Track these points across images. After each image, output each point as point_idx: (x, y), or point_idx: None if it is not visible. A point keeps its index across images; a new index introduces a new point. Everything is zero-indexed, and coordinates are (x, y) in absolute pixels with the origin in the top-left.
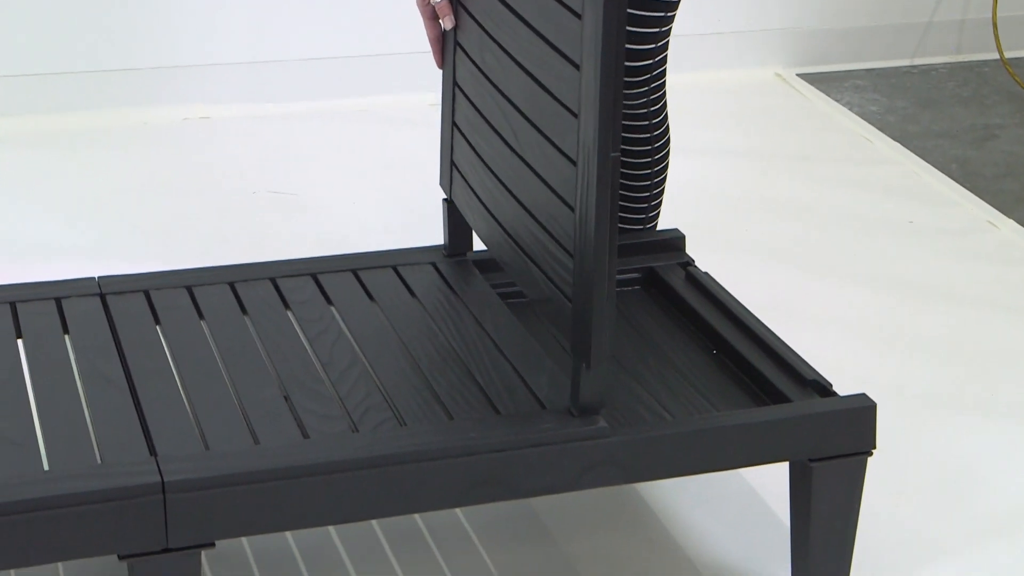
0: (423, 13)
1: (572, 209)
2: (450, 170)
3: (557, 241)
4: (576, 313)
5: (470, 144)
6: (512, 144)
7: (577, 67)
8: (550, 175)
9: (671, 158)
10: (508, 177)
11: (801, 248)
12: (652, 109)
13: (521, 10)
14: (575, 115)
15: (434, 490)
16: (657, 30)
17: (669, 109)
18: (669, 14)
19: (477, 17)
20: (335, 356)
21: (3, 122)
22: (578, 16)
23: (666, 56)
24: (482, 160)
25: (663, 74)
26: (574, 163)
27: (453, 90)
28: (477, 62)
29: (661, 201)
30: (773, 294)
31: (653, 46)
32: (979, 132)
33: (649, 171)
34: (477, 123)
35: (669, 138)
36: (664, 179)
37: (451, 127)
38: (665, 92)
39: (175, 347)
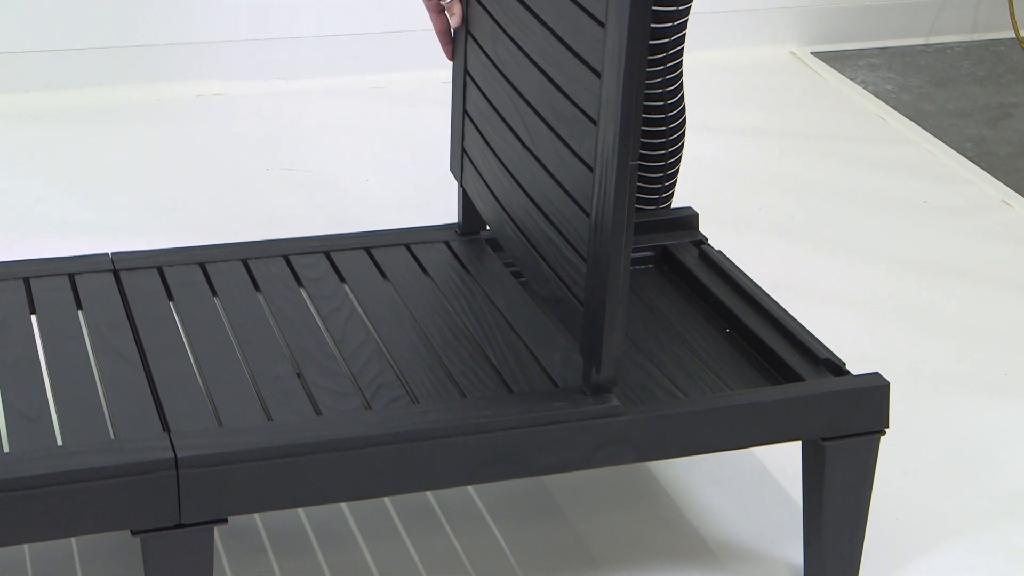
0: (428, 7)
1: (587, 214)
2: (461, 157)
3: (570, 244)
4: (588, 318)
5: (481, 134)
6: (525, 141)
7: (598, 75)
8: (565, 178)
9: (686, 136)
10: (520, 173)
11: (815, 227)
12: (668, 90)
13: (538, 9)
14: (594, 122)
15: (446, 467)
16: (676, 8)
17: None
18: None
19: (489, 8)
20: (348, 333)
21: (17, 98)
22: (601, 24)
23: (684, 35)
24: (493, 152)
25: (680, 52)
26: (591, 169)
27: (464, 78)
28: (489, 54)
29: (676, 180)
30: (786, 273)
31: (671, 24)
32: (994, 111)
33: (664, 151)
34: (489, 114)
35: (685, 117)
36: (679, 158)
37: (462, 115)
38: (682, 70)
39: (188, 323)
